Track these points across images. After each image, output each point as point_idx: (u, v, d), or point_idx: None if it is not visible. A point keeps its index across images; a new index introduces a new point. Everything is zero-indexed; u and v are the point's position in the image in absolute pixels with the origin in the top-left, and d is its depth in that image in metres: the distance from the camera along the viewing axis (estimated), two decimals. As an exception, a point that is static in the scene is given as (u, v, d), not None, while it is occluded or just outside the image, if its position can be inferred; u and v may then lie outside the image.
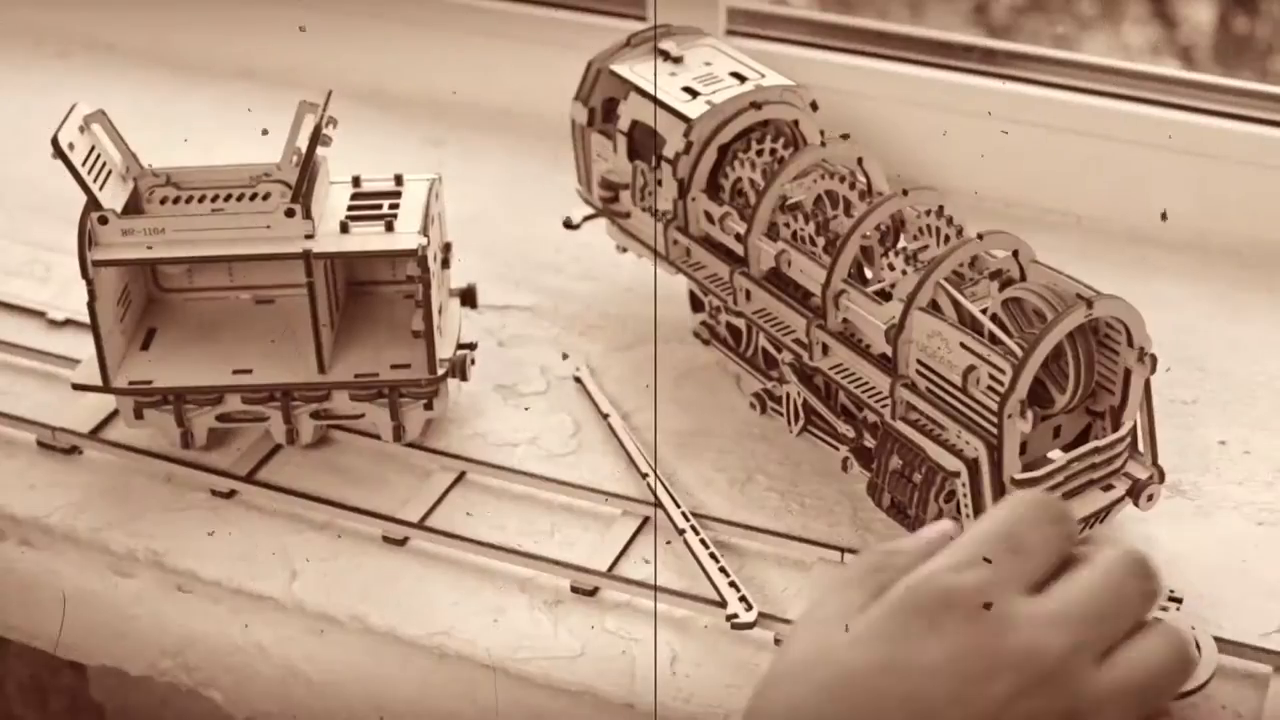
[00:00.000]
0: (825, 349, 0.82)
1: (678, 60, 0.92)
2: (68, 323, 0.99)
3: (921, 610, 0.56)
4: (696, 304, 0.94)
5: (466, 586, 0.81)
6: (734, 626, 0.76)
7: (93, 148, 0.85)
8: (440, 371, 0.85)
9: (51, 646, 0.88)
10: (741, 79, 0.90)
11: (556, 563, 0.80)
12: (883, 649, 0.56)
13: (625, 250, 0.97)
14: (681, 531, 0.81)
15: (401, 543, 0.83)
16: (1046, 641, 0.55)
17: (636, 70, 0.92)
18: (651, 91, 0.90)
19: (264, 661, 0.82)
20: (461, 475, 0.87)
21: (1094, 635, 0.56)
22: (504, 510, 0.85)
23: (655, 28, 0.95)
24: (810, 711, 0.56)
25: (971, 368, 0.73)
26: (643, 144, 0.92)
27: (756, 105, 0.88)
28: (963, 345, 0.74)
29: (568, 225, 1.00)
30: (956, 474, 0.75)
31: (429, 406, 0.87)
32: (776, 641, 0.76)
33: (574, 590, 0.80)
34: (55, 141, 0.81)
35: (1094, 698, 0.55)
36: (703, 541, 0.80)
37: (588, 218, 1.00)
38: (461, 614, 0.79)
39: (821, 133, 0.88)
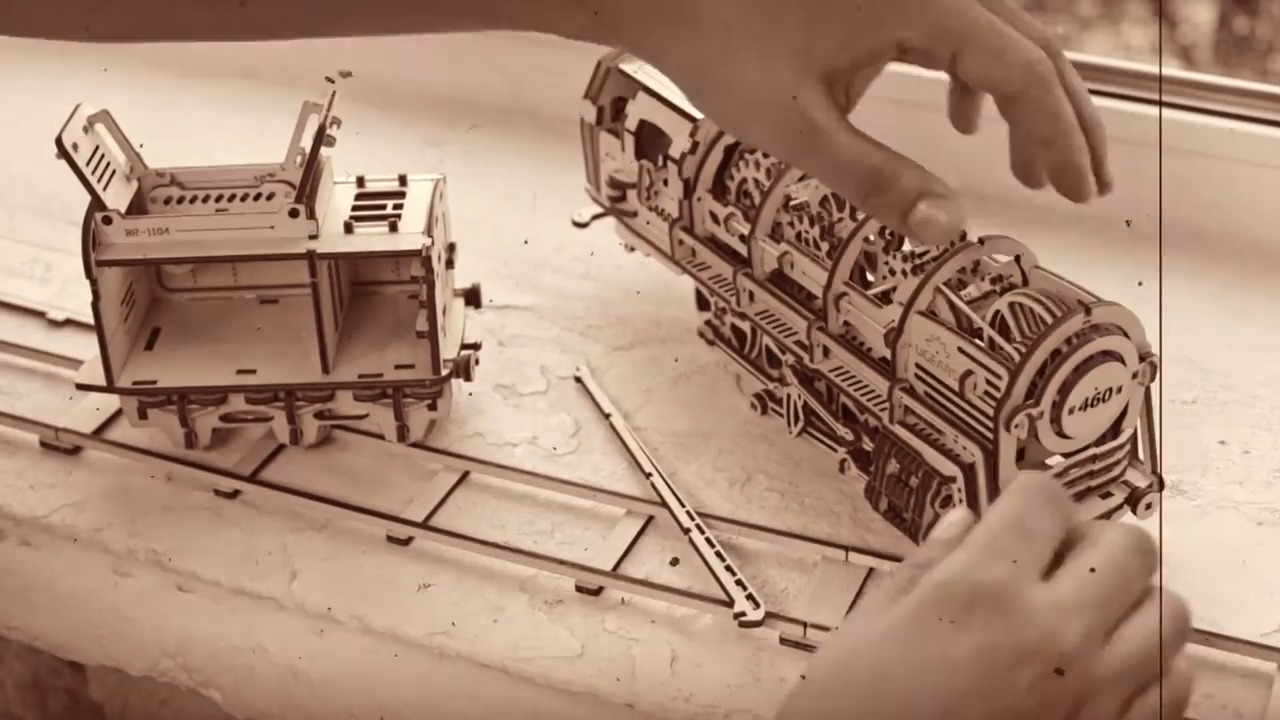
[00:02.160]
0: (826, 351, 0.82)
1: None
2: (68, 323, 0.99)
3: (948, 607, 0.57)
4: (703, 302, 0.94)
5: (467, 586, 0.81)
6: (741, 625, 0.76)
7: (97, 148, 0.84)
8: (444, 372, 0.85)
9: (52, 647, 0.89)
10: None
11: (563, 562, 0.80)
12: (912, 645, 0.57)
13: (633, 249, 0.97)
14: (686, 531, 0.81)
15: (406, 542, 0.83)
16: (1064, 629, 0.57)
17: (645, 69, 0.92)
18: (659, 91, 0.90)
19: (264, 661, 0.82)
20: (465, 475, 0.87)
21: (1103, 617, 0.58)
22: (506, 510, 0.85)
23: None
24: (842, 709, 0.57)
25: (969, 372, 0.73)
26: (650, 143, 0.92)
27: None
28: (960, 350, 0.73)
29: (577, 224, 1.00)
30: (953, 479, 0.75)
31: (433, 407, 0.87)
32: (782, 641, 0.76)
33: (579, 590, 0.80)
34: (60, 141, 0.81)
35: (1101, 679, 0.57)
36: (708, 540, 0.80)
37: (596, 216, 1.00)
38: (462, 614, 0.79)
39: None
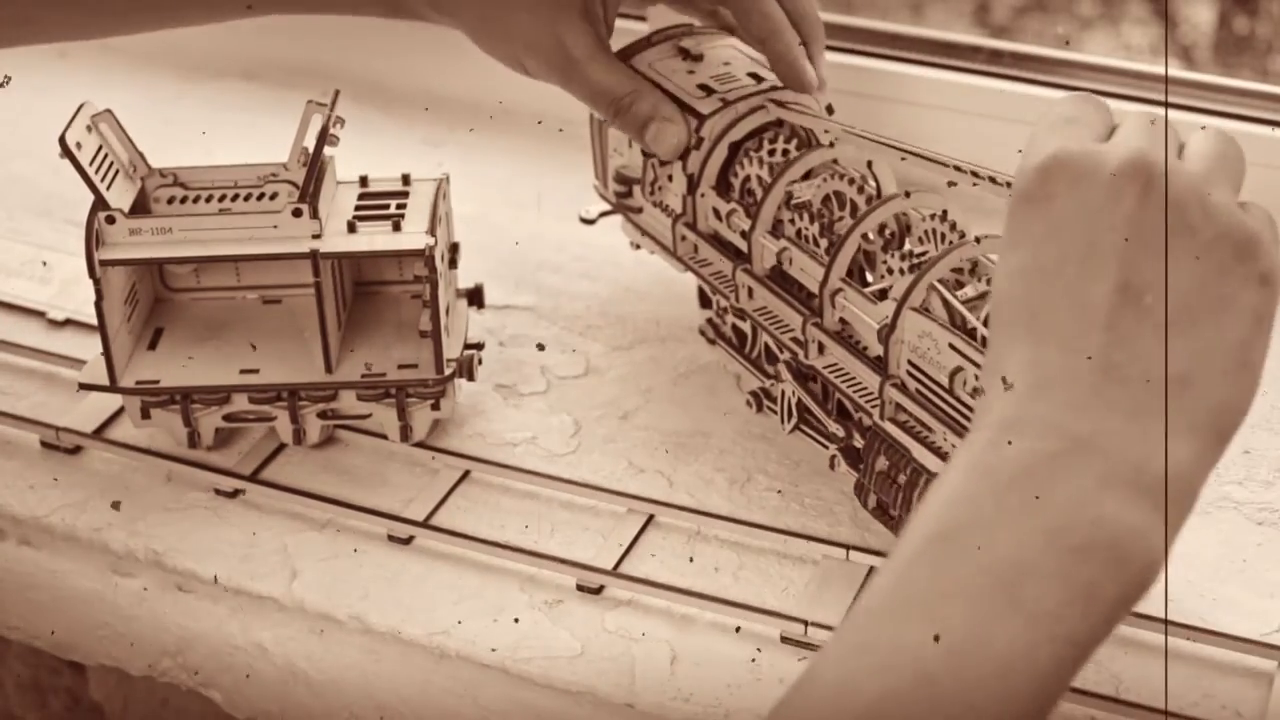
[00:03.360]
0: (821, 348, 0.82)
1: (697, 59, 0.92)
2: (68, 323, 0.99)
3: (1033, 193, 0.62)
4: (705, 300, 0.94)
5: (467, 586, 0.81)
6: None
7: (100, 147, 0.85)
8: (447, 371, 0.85)
9: (52, 646, 0.89)
10: (759, 79, 0.90)
11: (565, 561, 0.80)
12: (1025, 238, 0.62)
13: (638, 246, 0.97)
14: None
15: (407, 541, 0.83)
16: (1139, 147, 0.61)
17: (654, 67, 0.92)
18: (667, 87, 0.90)
19: (264, 661, 0.82)
20: (466, 474, 0.87)
21: (1160, 142, 0.62)
22: (506, 510, 0.85)
23: (679, 26, 0.95)
24: (1004, 320, 0.62)
25: (958, 369, 0.73)
26: None
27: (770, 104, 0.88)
28: (951, 346, 0.74)
29: (584, 220, 1.00)
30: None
31: (436, 406, 0.87)
32: (783, 639, 0.76)
33: (580, 589, 0.80)
34: (63, 140, 0.81)
35: (1198, 176, 0.62)
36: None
37: (604, 213, 1.00)
38: (462, 614, 0.79)
39: (826, 132, 0.88)
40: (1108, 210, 0.61)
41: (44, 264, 1.05)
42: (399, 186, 0.88)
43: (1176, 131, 0.64)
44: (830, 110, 0.89)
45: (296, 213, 0.83)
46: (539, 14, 0.85)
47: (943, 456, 0.74)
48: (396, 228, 0.84)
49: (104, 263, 0.84)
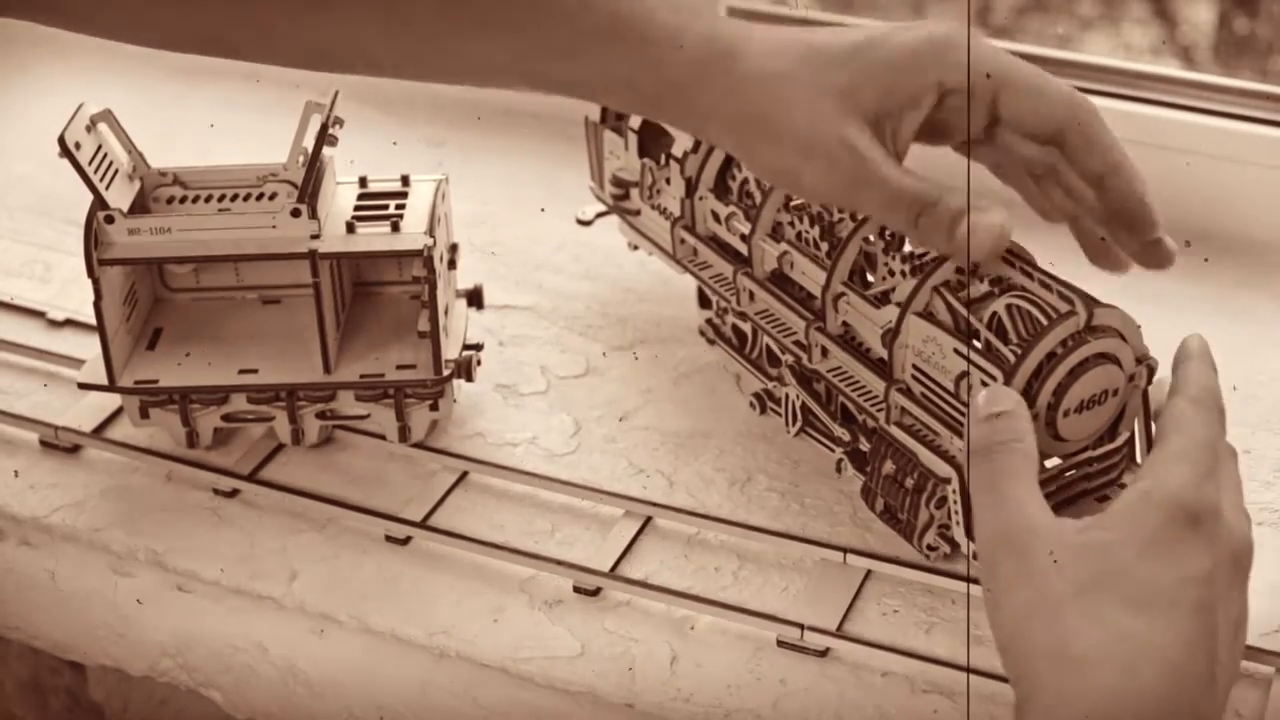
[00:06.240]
0: (824, 351, 0.82)
1: None
2: (68, 323, 0.99)
3: (1183, 523, 0.64)
4: (705, 301, 0.94)
5: (467, 586, 0.81)
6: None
7: (99, 147, 0.85)
8: (446, 372, 0.85)
9: (52, 646, 0.89)
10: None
11: (561, 563, 0.80)
12: (1169, 561, 0.64)
13: (636, 248, 0.98)
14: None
15: (404, 542, 0.83)
16: (1249, 536, 0.67)
17: None
18: None
19: (264, 661, 0.82)
20: (464, 475, 0.87)
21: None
22: (505, 510, 0.85)
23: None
24: (1111, 621, 0.62)
25: (964, 373, 0.73)
26: (653, 141, 0.92)
27: None
28: (956, 351, 0.73)
29: (580, 221, 1.00)
30: (948, 480, 0.75)
31: (434, 407, 0.87)
32: (779, 643, 0.76)
33: (577, 590, 0.80)
34: (62, 140, 0.81)
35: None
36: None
37: (600, 214, 1.00)
38: (462, 614, 0.79)
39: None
40: (1224, 592, 0.64)
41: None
42: (398, 187, 0.88)
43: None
44: None
45: (295, 213, 0.83)
46: (822, 115, 0.71)
47: (950, 460, 0.74)
48: (395, 228, 0.84)
49: (103, 262, 0.84)
